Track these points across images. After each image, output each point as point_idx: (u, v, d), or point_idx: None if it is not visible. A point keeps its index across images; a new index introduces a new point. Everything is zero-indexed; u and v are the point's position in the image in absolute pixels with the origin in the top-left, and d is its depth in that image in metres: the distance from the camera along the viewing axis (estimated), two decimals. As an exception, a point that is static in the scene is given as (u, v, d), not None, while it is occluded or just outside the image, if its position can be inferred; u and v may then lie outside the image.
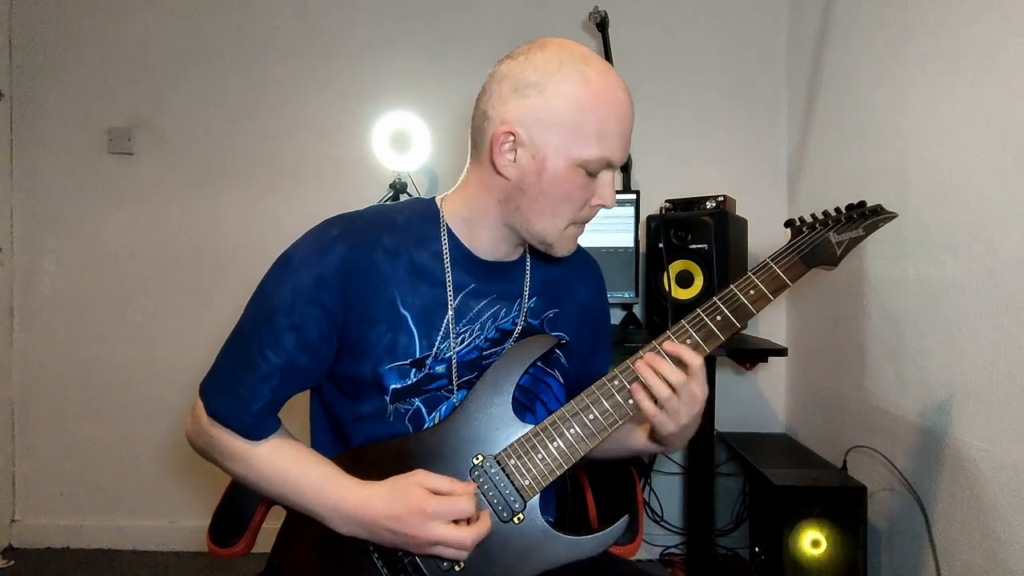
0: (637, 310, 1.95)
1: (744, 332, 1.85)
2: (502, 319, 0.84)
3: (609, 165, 0.77)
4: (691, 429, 0.81)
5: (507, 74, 0.76)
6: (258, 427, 0.77)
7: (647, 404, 0.76)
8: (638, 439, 0.90)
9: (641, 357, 0.78)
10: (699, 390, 0.77)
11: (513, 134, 0.74)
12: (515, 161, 0.75)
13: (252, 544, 0.94)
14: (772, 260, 0.82)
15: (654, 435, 0.84)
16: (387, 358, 0.77)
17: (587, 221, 0.82)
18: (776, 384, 2.06)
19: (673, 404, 0.75)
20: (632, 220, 1.79)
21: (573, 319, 0.91)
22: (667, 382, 0.75)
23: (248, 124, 2.05)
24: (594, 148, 0.74)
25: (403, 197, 1.85)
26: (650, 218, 1.78)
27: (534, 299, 0.87)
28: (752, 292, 0.80)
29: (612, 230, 1.80)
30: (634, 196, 1.79)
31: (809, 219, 0.86)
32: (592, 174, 0.77)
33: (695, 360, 0.76)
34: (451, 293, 0.81)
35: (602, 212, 1.79)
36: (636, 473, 1.04)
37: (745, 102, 2.03)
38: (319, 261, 0.76)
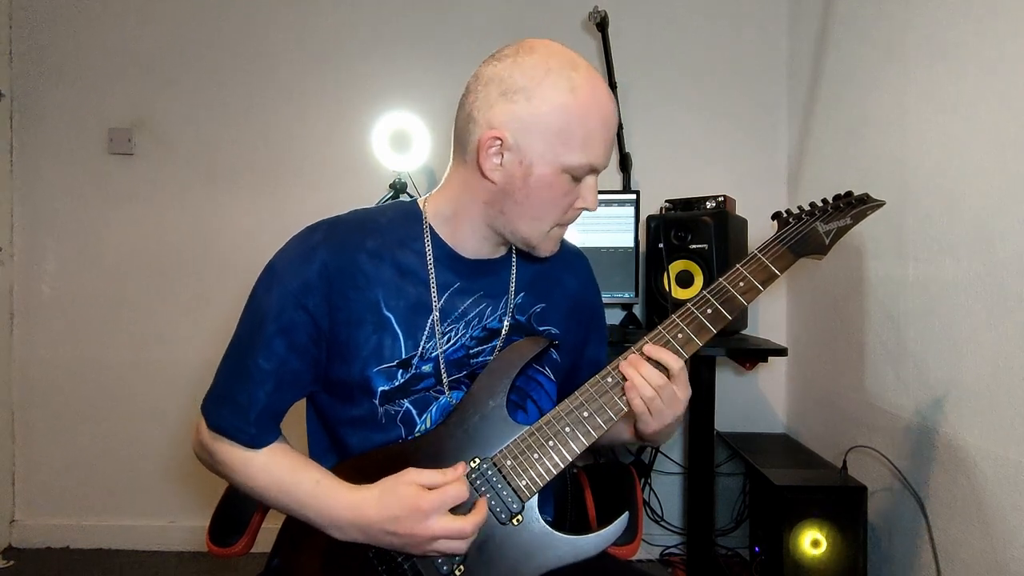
0: (637, 310, 1.95)
1: (744, 332, 1.85)
2: (488, 317, 0.84)
3: (593, 170, 0.78)
4: (674, 427, 0.82)
5: (493, 77, 0.75)
6: (259, 435, 0.77)
7: (638, 402, 0.77)
8: (625, 431, 0.90)
9: (626, 358, 0.79)
10: (680, 392, 0.78)
11: (500, 139, 0.74)
12: (501, 165, 0.76)
13: (251, 544, 0.94)
14: (760, 251, 0.83)
15: (638, 430, 0.85)
16: (374, 360, 0.78)
17: (570, 223, 0.83)
18: (776, 384, 2.06)
19: (656, 405, 0.77)
20: (632, 220, 1.79)
21: (562, 312, 0.91)
22: (649, 384, 0.76)
23: (248, 125, 2.05)
24: (580, 155, 0.75)
25: (404, 197, 1.85)
26: (650, 218, 1.78)
27: (521, 295, 0.87)
28: (741, 284, 0.80)
29: (612, 230, 1.80)
30: (634, 196, 1.79)
31: (796, 211, 0.87)
32: (577, 179, 0.77)
33: (675, 364, 0.76)
34: (435, 293, 0.81)
35: (602, 212, 1.81)
36: (636, 473, 1.04)
37: (745, 102, 2.03)
38: (302, 267, 0.77)
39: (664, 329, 0.80)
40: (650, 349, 0.78)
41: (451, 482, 0.72)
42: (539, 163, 0.74)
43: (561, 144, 0.74)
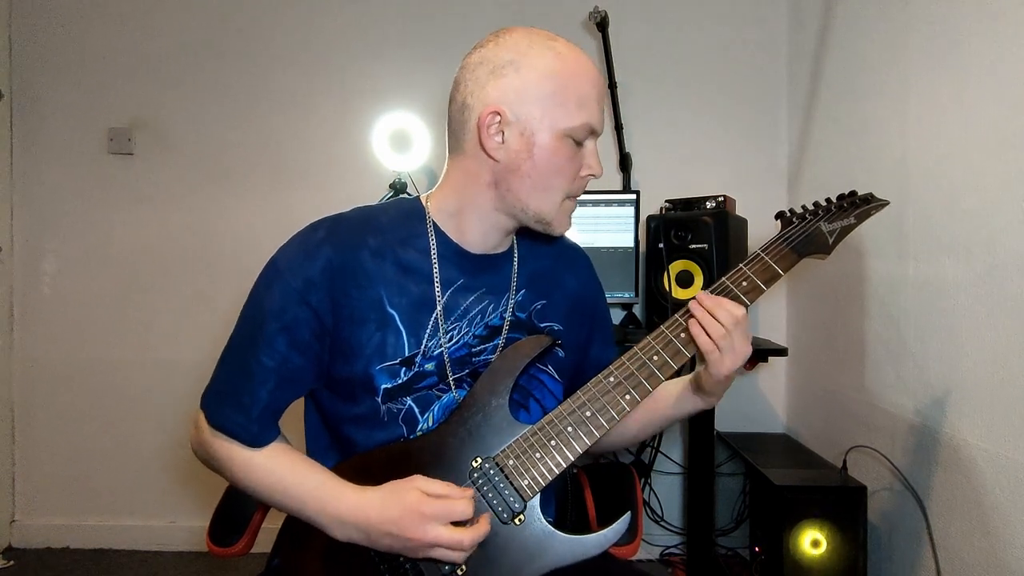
0: (637, 310, 1.95)
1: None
2: (490, 315, 0.84)
3: (592, 132, 0.79)
4: (732, 378, 0.82)
5: (480, 61, 0.77)
6: (261, 433, 0.77)
7: (704, 339, 0.77)
8: (686, 402, 0.89)
9: (680, 318, 0.79)
10: (748, 332, 0.79)
11: (499, 113, 0.75)
12: (504, 142, 0.76)
13: (252, 544, 0.94)
14: (763, 251, 0.82)
15: (702, 383, 0.84)
16: (377, 358, 0.78)
17: (579, 194, 0.84)
18: (776, 384, 2.06)
19: (727, 342, 0.76)
20: (632, 220, 1.79)
21: (562, 310, 0.91)
22: (719, 322, 0.76)
23: (248, 124, 2.05)
24: (577, 116, 0.76)
25: (404, 196, 1.85)
26: (650, 218, 1.78)
27: (522, 292, 0.87)
28: (744, 283, 0.80)
29: (612, 230, 1.80)
30: (634, 196, 1.79)
31: (800, 210, 0.86)
32: (578, 143, 0.78)
33: (738, 311, 0.77)
34: (439, 290, 0.81)
35: (602, 212, 1.81)
36: (636, 473, 1.04)
37: (745, 102, 2.03)
38: (305, 264, 0.77)
39: (667, 328, 0.80)
40: (718, 298, 0.78)
41: (457, 498, 0.72)
42: (540, 130, 0.76)
43: (557, 107, 0.75)
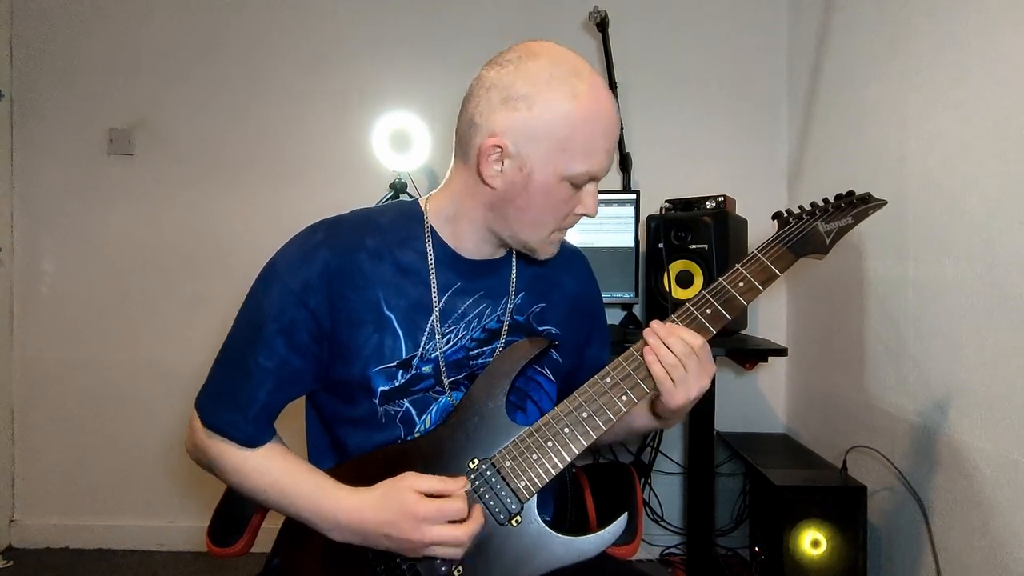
0: (637, 310, 1.95)
1: (744, 332, 1.85)
2: (488, 318, 0.84)
3: (593, 178, 0.78)
4: (689, 406, 0.80)
5: (496, 83, 0.74)
6: (256, 434, 0.77)
7: (657, 367, 0.76)
8: (640, 417, 0.90)
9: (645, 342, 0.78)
10: (707, 364, 0.77)
11: (501, 147, 0.74)
12: (502, 172, 0.75)
13: (251, 544, 0.94)
14: (760, 251, 0.82)
15: (655, 409, 0.85)
16: (374, 360, 0.78)
17: (570, 227, 0.83)
18: (776, 384, 2.06)
19: (679, 372, 0.75)
20: (632, 220, 1.78)
21: (561, 312, 0.91)
22: (672, 351, 0.75)
23: (248, 125, 2.05)
24: (581, 164, 0.74)
25: (404, 197, 1.85)
26: (650, 218, 1.78)
27: (521, 295, 0.87)
28: (741, 284, 0.80)
29: (612, 230, 1.79)
30: (634, 196, 1.79)
31: (797, 211, 0.86)
32: (577, 186, 0.77)
33: (695, 340, 0.76)
34: (436, 293, 0.81)
35: (603, 212, 1.81)
36: (636, 473, 1.04)
37: (745, 102, 2.03)
38: (303, 266, 0.77)
39: None
40: (672, 327, 0.77)
41: (451, 493, 0.72)
42: (540, 171, 0.74)
43: (562, 152, 0.73)
